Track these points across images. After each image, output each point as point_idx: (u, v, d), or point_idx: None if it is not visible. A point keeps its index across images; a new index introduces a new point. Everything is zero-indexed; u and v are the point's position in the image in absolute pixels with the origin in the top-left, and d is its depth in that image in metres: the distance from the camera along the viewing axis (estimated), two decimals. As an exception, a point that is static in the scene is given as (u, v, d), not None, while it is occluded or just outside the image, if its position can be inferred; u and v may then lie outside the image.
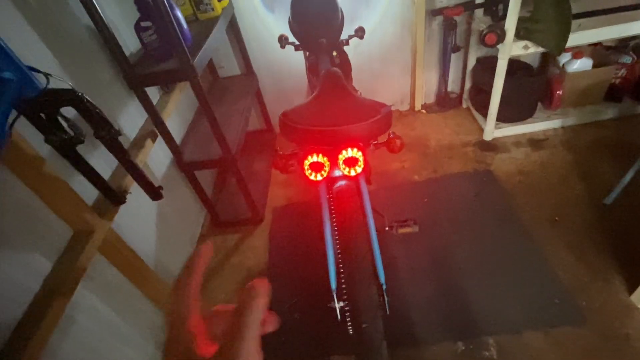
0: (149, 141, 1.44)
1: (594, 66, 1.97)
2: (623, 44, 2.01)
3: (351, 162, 0.91)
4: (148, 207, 1.53)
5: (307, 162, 0.90)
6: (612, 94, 2.06)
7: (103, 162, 1.22)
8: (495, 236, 1.60)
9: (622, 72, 2.01)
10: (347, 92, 0.98)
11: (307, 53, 1.44)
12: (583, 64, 1.95)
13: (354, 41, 1.47)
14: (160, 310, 1.47)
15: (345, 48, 1.50)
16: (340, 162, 0.91)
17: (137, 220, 1.45)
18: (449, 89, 2.43)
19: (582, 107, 2.09)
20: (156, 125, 1.47)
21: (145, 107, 1.41)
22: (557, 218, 1.63)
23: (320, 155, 0.90)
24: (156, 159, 1.62)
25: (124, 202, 1.18)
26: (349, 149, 0.88)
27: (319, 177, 0.93)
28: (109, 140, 0.99)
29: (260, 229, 1.90)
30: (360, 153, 0.89)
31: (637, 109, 2.05)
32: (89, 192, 1.14)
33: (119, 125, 1.32)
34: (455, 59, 2.29)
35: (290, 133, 0.91)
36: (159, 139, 1.54)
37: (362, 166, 0.91)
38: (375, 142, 1.03)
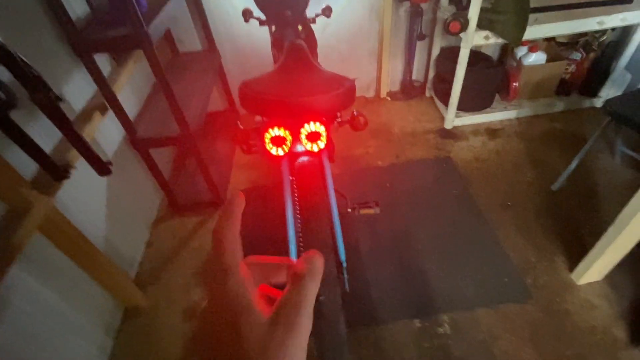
0: (97, 114, 1.34)
1: (548, 61, 2.07)
2: (574, 41, 2.13)
3: (314, 137, 0.89)
4: (98, 186, 1.43)
5: (268, 136, 0.87)
6: (563, 88, 2.19)
7: (44, 133, 1.11)
8: (452, 219, 1.66)
9: (572, 67, 2.14)
10: (310, 64, 0.95)
11: (273, 28, 1.39)
12: (538, 58, 2.05)
13: (322, 22, 1.44)
14: (110, 294, 1.39)
15: (314, 29, 1.47)
16: (303, 136, 0.88)
17: (86, 200, 1.35)
18: (414, 77, 2.46)
19: (536, 100, 2.21)
20: (106, 98, 1.36)
21: (93, 77, 1.30)
22: (509, 203, 1.72)
23: (282, 128, 0.87)
24: (107, 134, 1.51)
25: (68, 177, 1.08)
26: (312, 123, 0.86)
27: (281, 152, 0.90)
28: (49, 107, 0.90)
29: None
30: (323, 127, 0.87)
31: (584, 103, 2.20)
32: (27, 166, 1.04)
33: (62, 94, 1.20)
34: (420, 48, 2.32)
35: (250, 103, 0.87)
36: (110, 113, 1.43)
37: (325, 142, 0.90)
38: (339, 119, 1.01)
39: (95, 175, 1.20)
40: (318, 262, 0.26)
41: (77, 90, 1.33)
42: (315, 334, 0.81)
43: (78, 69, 1.32)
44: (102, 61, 1.46)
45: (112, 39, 1.20)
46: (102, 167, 1.11)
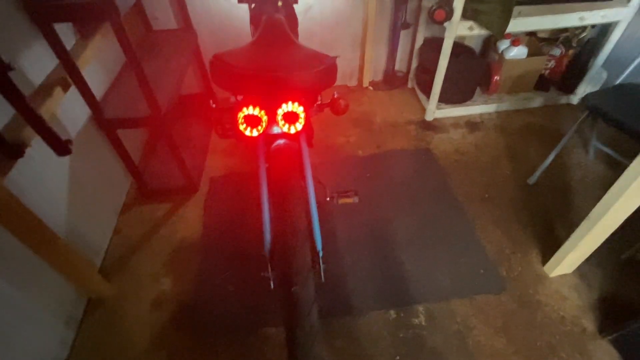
0: (58, 89, 1.23)
1: (528, 56, 2.08)
2: (555, 37, 2.14)
3: (291, 117, 0.83)
4: (60, 168, 1.33)
5: (241, 115, 0.81)
6: (541, 83, 2.22)
7: (-6, 107, 1.01)
8: (430, 211, 1.65)
9: (552, 63, 2.16)
10: (289, 39, 0.90)
11: (252, 5, 1.31)
12: (519, 52, 2.06)
13: (304, 5, 1.37)
14: (72, 283, 1.30)
15: (296, 11, 1.40)
16: (279, 117, 0.83)
17: (46, 182, 1.25)
18: (397, 67, 2.44)
19: (515, 94, 2.22)
20: (68, 72, 1.26)
21: (54, 49, 1.19)
22: (487, 195, 1.72)
23: (257, 108, 0.81)
24: (71, 113, 1.40)
25: (21, 155, 1.00)
26: (290, 103, 0.80)
27: (255, 133, 0.84)
28: (-5, 75, 0.81)
29: (194, 199, 1.76)
30: (301, 108, 0.81)
31: (561, 99, 2.23)
32: (-27, 142, 0.94)
33: (13, 62, 1.09)
34: (404, 38, 2.29)
35: (222, 78, 0.80)
36: (75, 90, 1.32)
37: (303, 123, 0.84)
38: (319, 102, 0.96)
39: (56, 157, 1.11)
40: None
41: (34, 62, 1.22)
42: (287, 324, 0.77)
43: (37, 38, 1.21)
44: (66, 33, 1.35)
45: (73, 6, 1.10)
46: (60, 146, 1.02)
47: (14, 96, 0.86)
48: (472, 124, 2.15)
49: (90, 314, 1.36)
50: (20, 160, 1.04)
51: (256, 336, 1.27)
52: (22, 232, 1.07)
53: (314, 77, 0.80)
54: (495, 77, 2.13)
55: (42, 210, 1.12)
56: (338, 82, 2.46)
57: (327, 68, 0.81)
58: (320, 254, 0.90)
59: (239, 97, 0.87)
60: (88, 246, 1.45)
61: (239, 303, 1.35)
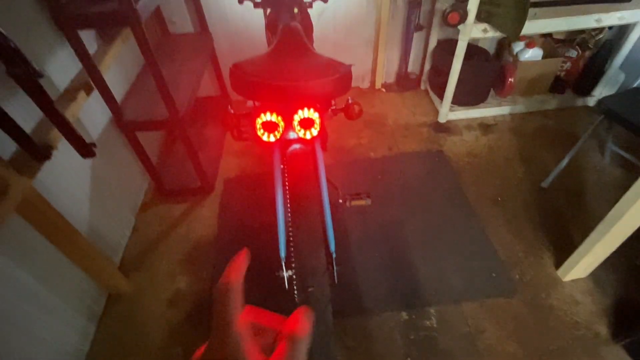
0: (82, 93, 1.28)
1: (544, 57, 2.06)
2: (571, 38, 2.12)
3: (307, 123, 0.86)
4: (82, 169, 1.38)
5: (259, 121, 0.84)
6: (557, 85, 2.19)
7: (24, 111, 1.06)
8: (442, 213, 1.66)
9: (568, 65, 2.14)
10: (305, 47, 0.92)
11: (268, 11, 1.34)
12: (534, 54, 2.04)
13: (318, 7, 1.40)
14: (93, 279, 1.36)
15: (310, 14, 1.42)
16: (296, 123, 0.85)
17: (69, 182, 1.30)
18: (409, 69, 2.44)
19: (530, 97, 2.20)
20: (91, 77, 1.31)
21: (78, 54, 1.25)
22: (499, 198, 1.72)
23: (274, 114, 0.84)
24: (93, 116, 1.46)
25: (49, 158, 1.04)
26: (305, 109, 0.83)
27: (272, 138, 0.87)
28: (27, 82, 0.85)
29: (209, 199, 1.80)
30: (316, 114, 0.84)
31: (577, 101, 2.20)
32: (6, 145, 0.99)
33: (43, 69, 1.15)
34: (417, 40, 2.29)
35: (241, 86, 0.83)
36: (96, 93, 1.37)
37: (318, 129, 0.87)
38: (334, 107, 0.98)
39: (79, 158, 1.15)
40: (309, 321, 0.28)
41: (60, 68, 1.27)
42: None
43: (62, 45, 1.26)
44: (88, 38, 1.40)
45: (97, 14, 1.15)
46: (85, 148, 1.07)
47: (44, 101, 0.90)
48: (485, 127, 2.14)
49: (110, 309, 1.41)
50: (47, 163, 1.09)
51: (269, 334, 1.29)
52: (47, 229, 1.12)
53: (329, 85, 0.82)
54: (510, 79, 2.11)
55: (64, 208, 1.17)
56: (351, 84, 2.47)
57: (342, 76, 0.83)
58: (334, 256, 0.92)
59: (257, 103, 0.90)
60: (107, 244, 1.51)
61: (253, 302, 1.37)
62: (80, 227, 1.27)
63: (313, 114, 0.84)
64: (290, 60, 0.89)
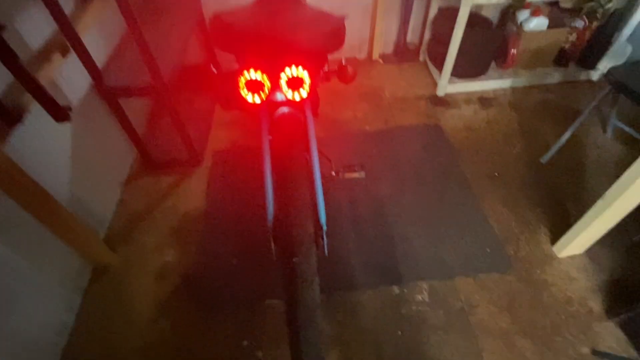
0: (57, 55, 1.19)
1: (549, 27, 1.97)
2: (578, 7, 2.01)
3: (295, 83, 0.79)
4: (62, 138, 1.31)
5: (243, 79, 0.77)
6: (561, 58, 2.11)
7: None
8: (438, 188, 1.61)
9: (573, 36, 2.04)
10: (294, -1, 0.84)
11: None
12: (539, 23, 1.94)
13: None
14: (77, 252, 1.31)
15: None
16: (283, 82, 0.78)
17: (48, 152, 1.23)
18: (408, 39, 2.34)
19: (532, 69, 2.12)
20: (67, 37, 1.21)
21: (51, 12, 1.15)
22: (497, 173, 1.67)
23: (259, 72, 0.76)
24: (73, 80, 1.37)
25: (20, 121, 0.97)
26: (293, 67, 0.76)
27: (257, 99, 0.80)
28: (-13, 34, 0.77)
29: (198, 172, 1.74)
30: (306, 73, 0.77)
31: (580, 75, 2.13)
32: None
33: (7, 24, 1.05)
34: (417, 7, 2.18)
35: (221, 37, 0.76)
36: (74, 56, 1.28)
37: (308, 91, 0.80)
38: (326, 68, 0.91)
39: (59, 126, 1.08)
40: None
41: (33, 27, 1.17)
42: (287, 295, 0.76)
43: (34, 1, 1.16)
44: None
45: (68, -36, 1.04)
46: (59, 112, 0.99)
47: (7, 56, 0.82)
48: (485, 100, 2.07)
49: (96, 283, 1.37)
50: (21, 129, 1.02)
51: (259, 308, 1.27)
52: (24, 199, 1.06)
53: (320, 38, 0.75)
54: (513, 50, 2.03)
55: (44, 178, 1.11)
56: (346, 54, 2.36)
57: (334, 29, 0.76)
58: (324, 228, 0.88)
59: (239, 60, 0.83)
60: (93, 216, 1.45)
61: (242, 275, 1.35)
62: (63, 199, 1.21)
63: (302, 72, 0.76)
64: (277, 10, 0.81)
